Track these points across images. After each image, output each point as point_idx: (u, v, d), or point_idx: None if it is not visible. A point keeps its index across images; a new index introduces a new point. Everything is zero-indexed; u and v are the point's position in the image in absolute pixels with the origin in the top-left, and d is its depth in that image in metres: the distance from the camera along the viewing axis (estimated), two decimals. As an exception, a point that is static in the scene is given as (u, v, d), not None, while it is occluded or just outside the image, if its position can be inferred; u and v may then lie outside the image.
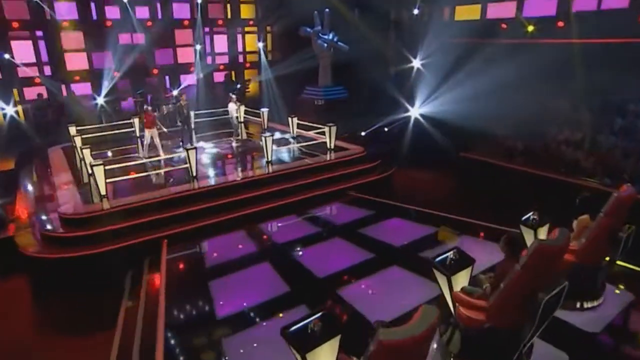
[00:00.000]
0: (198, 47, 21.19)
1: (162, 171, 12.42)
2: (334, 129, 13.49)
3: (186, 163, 11.11)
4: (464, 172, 13.95)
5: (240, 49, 23.26)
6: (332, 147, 13.62)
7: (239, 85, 21.59)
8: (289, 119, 15.52)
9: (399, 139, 16.11)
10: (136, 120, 16.55)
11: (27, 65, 17.78)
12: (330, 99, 20.37)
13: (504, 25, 17.68)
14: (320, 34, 20.32)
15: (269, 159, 12.38)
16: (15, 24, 17.21)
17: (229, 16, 22.48)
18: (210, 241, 9.66)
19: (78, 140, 13.70)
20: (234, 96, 15.80)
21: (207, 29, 21.90)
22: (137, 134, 15.93)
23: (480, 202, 11.44)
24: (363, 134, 16.71)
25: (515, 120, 14.34)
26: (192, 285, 8.02)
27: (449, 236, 9.43)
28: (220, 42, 22.63)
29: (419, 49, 19.84)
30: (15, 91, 17.81)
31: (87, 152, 11.84)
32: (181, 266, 8.92)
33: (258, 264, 8.50)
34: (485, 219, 9.61)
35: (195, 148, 11.34)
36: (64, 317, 7.91)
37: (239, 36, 23.08)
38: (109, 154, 14.52)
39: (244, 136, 16.76)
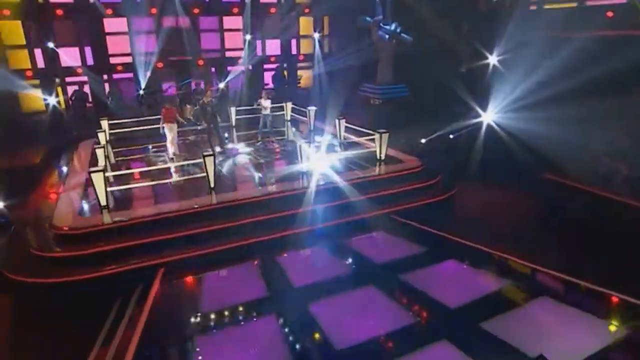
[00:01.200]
0: (248, 36, 19.59)
1: (173, 180, 10.68)
2: (385, 136, 11.19)
3: (204, 172, 9.45)
4: (549, 198, 11.04)
5: (293, 40, 21.38)
6: (383, 158, 11.34)
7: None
8: (337, 121, 13.38)
9: (466, 150, 13.39)
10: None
11: (68, 54, 17.16)
12: (388, 98, 17.98)
13: (609, 14, 14.27)
14: (381, 24, 17.96)
15: (304, 171, 10.39)
16: (59, 11, 16.57)
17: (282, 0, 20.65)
18: (213, 275, 7.85)
19: (102, 137, 12.55)
20: (264, 93, 14.14)
21: (257, 18, 20.23)
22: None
23: (568, 242, 8.67)
24: (423, 141, 14.20)
25: (620, 135, 11.21)
26: (174, 340, 6.22)
27: (518, 296, 6.92)
28: (273, 30, 20.86)
29: (498, 42, 16.79)
30: (57, 81, 17.27)
31: (100, 151, 10.53)
32: (171, 306, 7.17)
33: (262, 316, 6.54)
34: (577, 272, 6.99)
35: (214, 154, 9.59)
36: (34, 345, 6.62)
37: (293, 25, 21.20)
38: (135, 152, 13.29)
39: (291, 136, 15.02)
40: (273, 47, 20.79)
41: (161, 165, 11.34)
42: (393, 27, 17.80)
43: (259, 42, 20.22)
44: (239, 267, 8.09)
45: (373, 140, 11.72)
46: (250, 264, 8.17)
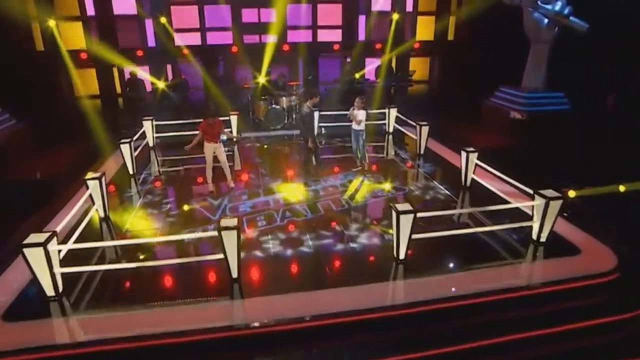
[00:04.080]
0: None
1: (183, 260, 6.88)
2: (556, 205, 6.15)
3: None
4: None
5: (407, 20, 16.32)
6: (544, 239, 6.35)
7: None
8: (463, 153, 8.46)
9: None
10: (233, 119, 11.67)
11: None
12: (537, 111, 12.36)
13: None
14: (539, 2, 12.30)
15: (399, 256, 5.89)
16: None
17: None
18: None
19: (125, 151, 9.19)
20: (358, 101, 9.12)
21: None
22: (234, 135, 11.12)
23: None
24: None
25: None
26: None
27: None
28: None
29: None
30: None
31: (92, 186, 7.03)
32: None
33: None
34: None
35: (239, 223, 5.44)
36: None
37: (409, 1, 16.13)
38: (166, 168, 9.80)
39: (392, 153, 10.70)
40: (378, 29, 16.01)
41: (173, 236, 6.56)
42: (558, 6, 12.01)
43: (360, 20, 15.56)
44: None
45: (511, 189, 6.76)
46: None
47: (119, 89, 14.97)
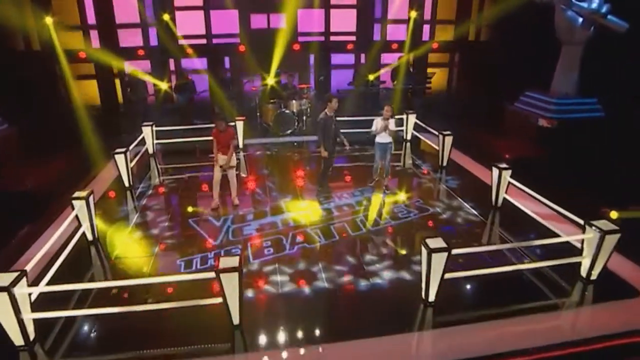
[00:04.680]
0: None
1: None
2: (612, 240, 5.26)
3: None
4: None
5: (428, 16, 15.29)
6: (593, 273, 5.45)
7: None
8: (495, 170, 7.53)
9: None
10: (239, 125, 10.90)
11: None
12: (569, 118, 11.38)
13: None
14: (573, 0, 11.30)
15: (428, 298, 5.03)
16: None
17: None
18: None
19: (120, 162, 8.41)
20: (387, 109, 8.07)
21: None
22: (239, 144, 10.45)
23: None
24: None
25: None
26: None
27: None
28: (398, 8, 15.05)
29: None
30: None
31: (79, 207, 6.24)
32: None
33: None
34: None
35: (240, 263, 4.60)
36: None
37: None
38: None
39: (410, 163, 9.88)
40: (395, 28, 15.05)
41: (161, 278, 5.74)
42: (595, 4, 10.99)
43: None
44: None
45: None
46: None
47: (120, 98, 14.21)
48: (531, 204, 7.07)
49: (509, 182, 7.44)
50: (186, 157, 10.48)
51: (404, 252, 6.30)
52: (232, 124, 10.87)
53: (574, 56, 11.61)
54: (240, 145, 11.07)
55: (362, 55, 14.99)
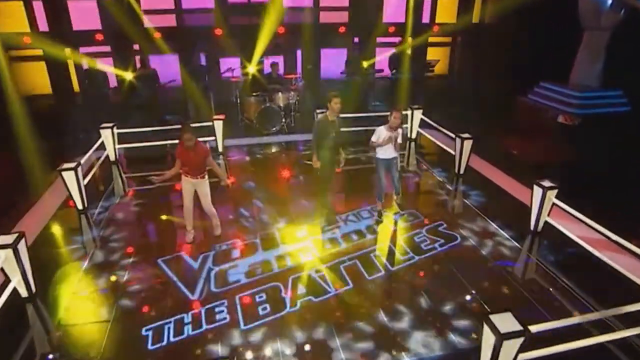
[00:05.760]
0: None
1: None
2: None
3: None
4: None
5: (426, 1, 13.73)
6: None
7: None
8: (538, 189, 6.15)
9: None
10: (217, 125, 9.28)
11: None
12: (592, 113, 10.13)
13: None
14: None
15: None
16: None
17: None
18: None
19: (70, 180, 6.71)
20: (395, 114, 6.23)
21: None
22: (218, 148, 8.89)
23: None
24: None
25: None
26: None
27: None
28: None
29: None
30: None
31: (4, 257, 4.61)
32: None
33: None
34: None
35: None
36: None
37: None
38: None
39: (419, 168, 8.37)
40: (392, 9, 13.39)
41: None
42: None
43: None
44: None
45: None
46: None
47: (76, 86, 12.23)
48: (574, 225, 5.85)
49: (553, 204, 6.12)
50: (156, 164, 8.81)
51: (443, 307, 4.88)
52: (210, 123, 9.26)
53: (599, 43, 10.30)
54: (220, 149, 9.46)
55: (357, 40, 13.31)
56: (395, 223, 6.67)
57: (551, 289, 5.14)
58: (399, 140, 6.26)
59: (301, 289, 5.14)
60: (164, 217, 6.81)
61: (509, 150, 9.44)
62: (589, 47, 10.43)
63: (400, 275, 5.44)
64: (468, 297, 4.98)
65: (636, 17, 9.72)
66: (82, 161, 7.25)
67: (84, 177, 7.09)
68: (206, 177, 5.78)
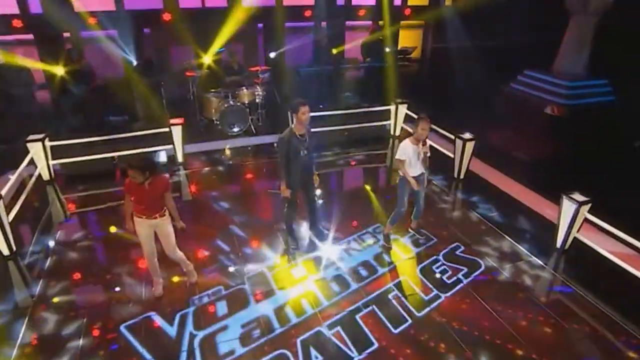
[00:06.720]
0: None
1: None
2: None
3: None
4: None
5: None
6: None
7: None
8: (568, 203, 5.37)
9: None
10: (175, 131, 7.84)
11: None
12: (578, 103, 9.63)
13: None
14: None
15: None
16: None
17: None
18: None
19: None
20: (424, 126, 4.94)
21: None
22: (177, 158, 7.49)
23: None
24: None
25: None
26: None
27: None
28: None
29: None
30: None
31: None
32: None
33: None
34: None
35: None
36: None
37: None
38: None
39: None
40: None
41: None
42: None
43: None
44: None
45: None
46: None
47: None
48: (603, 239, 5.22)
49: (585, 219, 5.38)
50: (103, 180, 7.30)
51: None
52: (165, 129, 7.78)
53: (586, 30, 9.74)
54: (180, 159, 8.01)
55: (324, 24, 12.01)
56: (406, 249, 5.68)
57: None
58: (428, 154, 5.15)
59: (315, 356, 4.03)
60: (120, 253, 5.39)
61: (500, 147, 8.72)
62: (576, 33, 9.86)
63: (431, 323, 4.45)
64: (514, 347, 4.09)
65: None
66: (4, 190, 5.62)
67: (8, 209, 5.51)
68: (166, 214, 4.43)
